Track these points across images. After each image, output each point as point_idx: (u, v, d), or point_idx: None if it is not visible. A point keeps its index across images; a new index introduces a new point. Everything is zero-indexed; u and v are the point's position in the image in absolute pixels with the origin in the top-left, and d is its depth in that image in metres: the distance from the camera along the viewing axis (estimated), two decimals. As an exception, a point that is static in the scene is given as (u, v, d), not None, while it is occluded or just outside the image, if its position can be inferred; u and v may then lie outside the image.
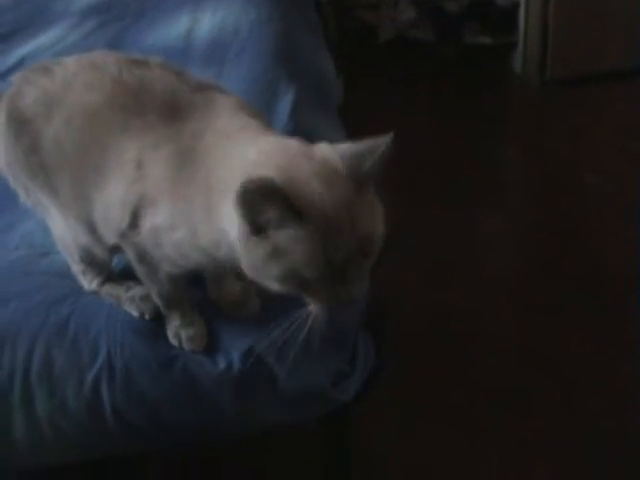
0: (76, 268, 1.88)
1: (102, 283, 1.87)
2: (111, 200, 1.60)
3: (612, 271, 3.16)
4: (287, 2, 3.01)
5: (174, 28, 2.87)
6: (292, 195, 1.31)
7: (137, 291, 1.81)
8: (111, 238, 1.67)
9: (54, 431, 1.79)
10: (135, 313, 1.80)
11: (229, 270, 1.58)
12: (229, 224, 1.40)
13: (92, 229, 1.70)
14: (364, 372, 1.83)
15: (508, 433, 2.55)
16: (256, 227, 1.34)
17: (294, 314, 1.45)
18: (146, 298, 1.79)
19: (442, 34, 4.51)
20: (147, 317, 1.78)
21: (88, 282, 1.88)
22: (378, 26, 4.58)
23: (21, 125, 1.70)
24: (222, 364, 1.73)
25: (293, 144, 1.44)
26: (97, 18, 3.07)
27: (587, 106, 4.19)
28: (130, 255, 1.68)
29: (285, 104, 2.30)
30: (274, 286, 1.39)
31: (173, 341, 1.75)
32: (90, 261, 1.85)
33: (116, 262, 1.89)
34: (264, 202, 1.30)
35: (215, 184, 1.43)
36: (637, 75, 4.23)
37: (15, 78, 1.77)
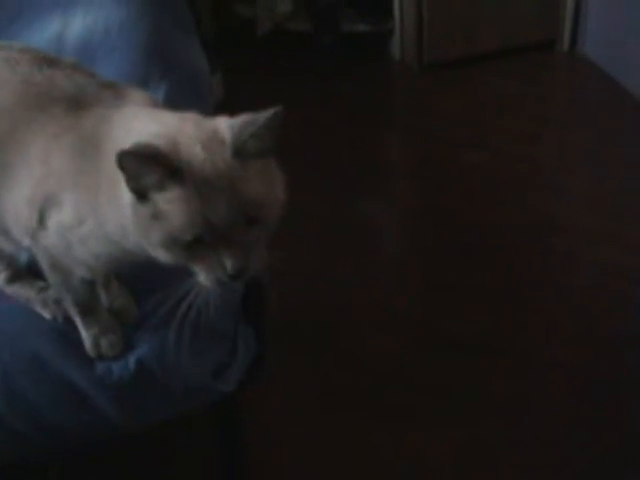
0: None
1: (9, 280, 1.84)
2: (20, 200, 1.58)
3: (504, 242, 3.26)
4: (158, 0, 3.00)
5: (46, 31, 2.84)
6: (172, 158, 1.33)
7: (49, 294, 1.79)
8: (24, 240, 1.65)
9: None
10: (47, 316, 1.78)
11: (142, 263, 1.53)
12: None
13: (3, 229, 1.68)
14: (245, 362, 1.84)
15: (401, 413, 2.59)
16: (139, 192, 1.35)
17: (177, 288, 1.45)
18: (59, 301, 1.77)
19: (319, 24, 4.53)
20: (60, 320, 1.77)
21: None
22: (255, 19, 4.58)
23: None
24: (100, 369, 1.73)
25: (189, 116, 1.45)
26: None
27: (465, 88, 4.29)
28: (42, 262, 1.66)
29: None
30: (161, 254, 1.39)
31: (92, 352, 1.73)
32: None
33: (25, 258, 1.86)
34: (143, 165, 1.31)
35: (113, 166, 1.39)
36: (509, 54, 4.34)
37: None
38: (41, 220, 1.56)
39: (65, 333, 1.76)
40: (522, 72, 4.34)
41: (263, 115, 1.37)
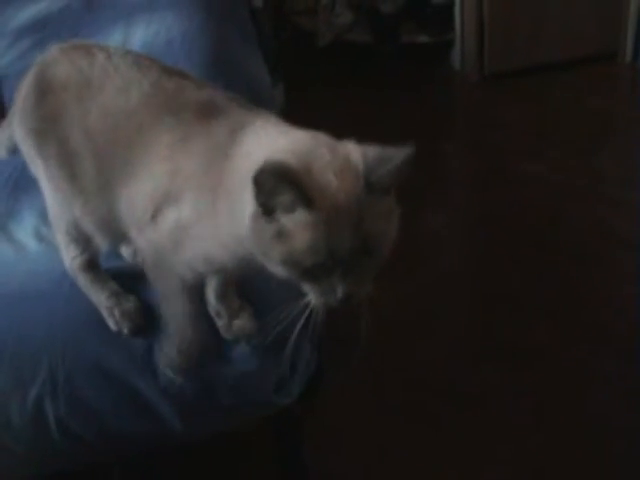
0: (60, 238, 1.87)
1: (83, 265, 1.85)
2: (137, 194, 1.62)
3: (565, 254, 3.22)
4: (220, 13, 3.04)
5: (108, 43, 2.88)
6: (306, 181, 1.34)
7: (118, 301, 1.81)
8: (131, 232, 1.68)
9: (1, 450, 1.80)
10: (112, 326, 1.80)
11: (251, 271, 1.55)
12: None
13: (104, 219, 1.73)
14: (304, 375, 1.85)
15: (463, 429, 2.57)
16: (267, 208, 1.36)
17: (291, 306, 1.47)
18: (126, 314, 1.79)
19: (380, 35, 4.54)
20: (124, 332, 1.78)
21: (70, 259, 1.86)
22: (316, 31, 4.60)
23: (45, 93, 1.72)
24: (163, 379, 1.75)
25: (320, 136, 1.46)
26: (32, 37, 3.07)
27: (526, 98, 4.26)
28: (146, 258, 1.68)
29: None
30: (277, 269, 1.40)
31: (165, 370, 1.74)
32: (76, 237, 1.84)
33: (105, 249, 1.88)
34: (278, 184, 1.32)
35: (240, 173, 1.44)
36: (570, 66, 4.32)
37: (53, 48, 1.79)
38: (154, 215, 1.59)
39: (130, 342, 1.79)
40: (583, 83, 4.31)
41: (400, 154, 1.38)
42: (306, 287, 1.43)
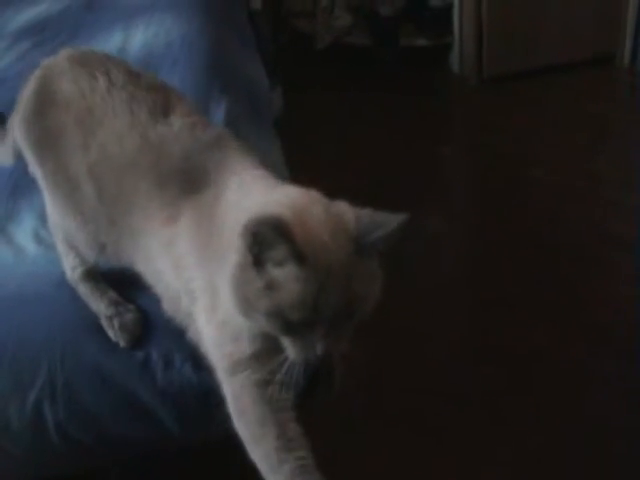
0: (60, 247, 1.88)
1: (83, 276, 1.85)
2: (156, 270, 1.66)
3: (563, 256, 3.23)
4: (218, 16, 3.04)
5: (108, 44, 2.88)
6: (300, 237, 1.35)
7: (117, 312, 1.80)
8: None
9: (0, 453, 1.79)
10: (111, 336, 1.79)
11: None
12: None
13: (101, 244, 1.76)
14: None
15: (462, 431, 2.57)
16: (258, 260, 1.37)
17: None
18: (125, 326, 1.78)
19: (378, 38, 4.54)
20: (122, 345, 1.77)
21: (70, 269, 1.87)
22: (314, 34, 4.60)
23: (47, 105, 1.75)
24: (162, 379, 1.74)
25: (312, 194, 1.47)
26: (31, 39, 3.08)
27: (525, 101, 4.27)
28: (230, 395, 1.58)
29: (218, 116, 2.31)
30: (260, 321, 1.40)
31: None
32: (71, 246, 1.85)
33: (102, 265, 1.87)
34: (274, 237, 1.33)
35: (229, 224, 1.46)
36: (568, 69, 4.32)
37: (61, 54, 1.83)
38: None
39: (129, 349, 1.78)
40: (582, 86, 4.32)
41: (393, 221, 1.38)
42: (286, 341, 1.43)
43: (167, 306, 1.69)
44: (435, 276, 3.20)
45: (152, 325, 1.79)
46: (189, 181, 1.60)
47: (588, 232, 3.31)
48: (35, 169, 1.83)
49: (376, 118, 4.13)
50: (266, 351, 1.49)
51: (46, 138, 1.75)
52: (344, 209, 1.43)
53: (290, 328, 1.39)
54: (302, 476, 1.45)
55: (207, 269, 1.52)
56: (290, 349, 1.42)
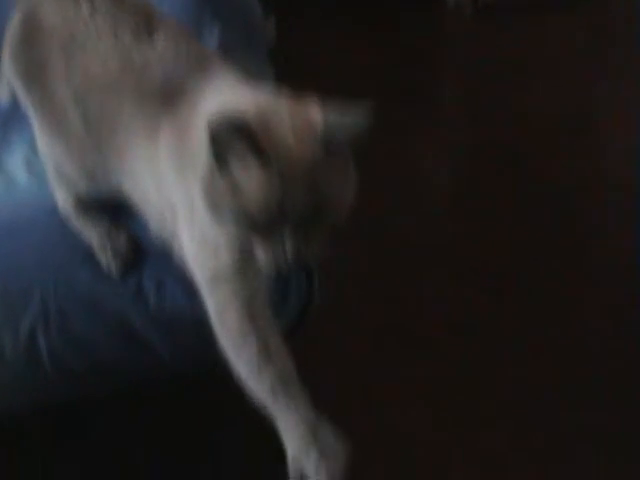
0: (51, 181, 1.88)
1: (76, 208, 1.85)
2: (142, 186, 1.66)
3: (558, 187, 3.21)
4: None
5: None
6: (262, 136, 1.34)
7: (109, 239, 1.80)
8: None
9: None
10: (103, 264, 1.79)
11: None
12: None
13: (89, 172, 1.76)
14: (297, 303, 1.83)
15: (460, 357, 2.58)
16: (221, 161, 1.36)
17: None
18: (117, 254, 1.78)
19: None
20: (114, 273, 1.77)
21: (62, 200, 1.86)
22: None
23: (33, 34, 1.74)
24: (154, 305, 1.75)
25: (282, 96, 1.46)
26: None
27: (521, 34, 4.21)
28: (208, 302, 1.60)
29: (211, 44, 2.28)
30: (229, 226, 1.41)
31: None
32: (64, 176, 1.84)
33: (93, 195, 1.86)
34: (232, 136, 1.33)
35: (199, 131, 1.44)
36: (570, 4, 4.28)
37: None
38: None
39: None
40: (577, 15, 4.26)
41: (356, 113, 1.37)
42: (256, 245, 1.42)
43: (153, 227, 1.70)
44: (426, 195, 3.21)
45: (144, 252, 1.79)
46: (169, 97, 1.59)
47: (581, 165, 3.30)
48: (24, 100, 1.82)
49: (367, 51, 4.06)
50: (246, 264, 1.50)
51: (33, 68, 1.74)
52: (312, 108, 1.41)
53: (258, 232, 1.39)
54: (283, 385, 1.47)
55: (184, 181, 1.52)
56: (260, 254, 1.41)
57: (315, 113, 1.40)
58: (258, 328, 1.51)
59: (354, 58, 3.88)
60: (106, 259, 1.78)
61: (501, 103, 3.69)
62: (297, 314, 1.83)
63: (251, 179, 1.35)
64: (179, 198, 1.55)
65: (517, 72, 3.90)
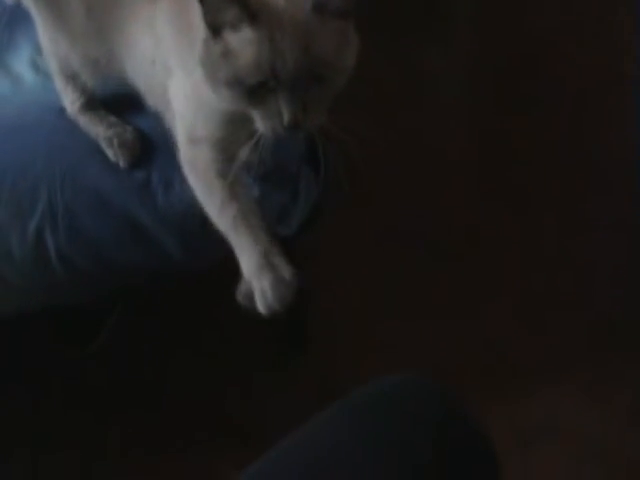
0: (57, 83, 1.86)
1: (83, 108, 1.83)
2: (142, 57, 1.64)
3: (565, 93, 3.13)
4: None
5: None
6: None
7: (116, 132, 1.78)
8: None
9: (2, 284, 1.82)
10: (110, 157, 1.77)
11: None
12: None
13: (88, 56, 1.74)
14: (307, 206, 1.84)
15: (465, 262, 2.59)
16: (214, 28, 1.36)
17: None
18: (124, 144, 1.77)
19: None
20: (122, 165, 1.76)
21: (69, 103, 1.84)
22: None
23: None
24: (163, 202, 1.74)
25: None
26: None
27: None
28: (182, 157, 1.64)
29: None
30: (224, 94, 1.40)
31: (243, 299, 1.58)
32: (71, 77, 1.82)
33: (100, 92, 1.85)
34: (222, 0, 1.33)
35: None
36: None
37: None
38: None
39: (129, 171, 1.77)
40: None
41: None
42: (253, 113, 1.42)
43: (151, 100, 1.70)
44: (431, 107, 3.11)
45: (152, 147, 1.78)
46: None
47: (593, 69, 3.23)
48: None
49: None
50: (232, 139, 1.54)
51: None
52: None
53: (252, 95, 1.38)
54: (244, 220, 1.53)
55: (181, 45, 1.52)
56: (258, 121, 1.41)
57: None
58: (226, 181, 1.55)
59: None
60: (114, 151, 1.77)
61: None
62: (307, 213, 1.84)
63: (242, 42, 1.35)
64: (176, 62, 1.55)
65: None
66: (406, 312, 2.46)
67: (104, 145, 1.78)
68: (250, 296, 1.52)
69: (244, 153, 1.51)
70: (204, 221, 1.60)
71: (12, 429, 2.21)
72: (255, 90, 1.36)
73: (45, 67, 1.92)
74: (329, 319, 2.40)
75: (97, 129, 1.81)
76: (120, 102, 1.82)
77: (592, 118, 3.02)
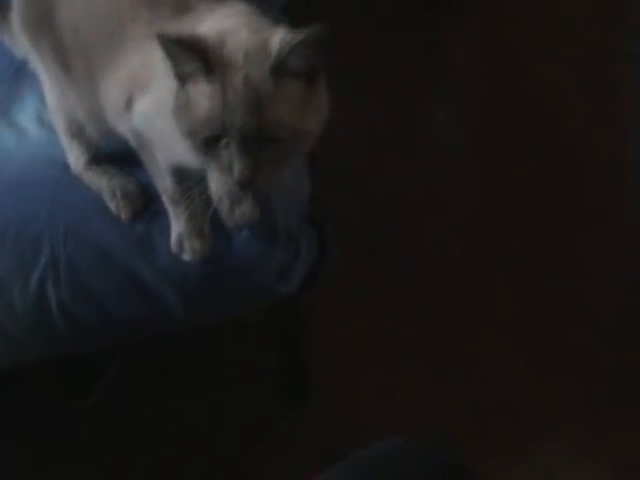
0: (63, 140, 1.87)
1: (88, 164, 1.85)
2: (114, 82, 1.64)
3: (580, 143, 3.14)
4: None
5: None
6: (212, 53, 1.37)
7: (119, 184, 1.80)
8: (112, 120, 1.70)
9: (2, 335, 1.82)
10: (113, 210, 1.79)
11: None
12: None
13: (93, 109, 1.74)
14: (308, 263, 1.85)
15: (456, 301, 2.60)
16: (180, 78, 1.40)
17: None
18: (127, 195, 1.78)
19: None
20: (123, 217, 1.78)
21: (74, 159, 1.86)
22: None
23: None
24: (163, 256, 1.75)
25: (247, 16, 1.49)
26: None
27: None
28: (132, 142, 1.69)
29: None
30: (185, 144, 1.43)
31: (174, 247, 1.74)
32: (77, 133, 1.84)
33: (104, 145, 1.86)
34: (181, 51, 1.36)
35: None
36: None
37: None
38: (128, 103, 1.61)
39: (131, 225, 1.78)
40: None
41: (306, 31, 1.36)
42: (209, 166, 1.46)
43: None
44: (441, 158, 3.15)
45: (153, 202, 1.79)
46: (183, 7, 1.58)
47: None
48: (33, 54, 1.82)
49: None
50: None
51: (39, 18, 1.73)
52: (274, 33, 1.42)
53: (207, 150, 1.41)
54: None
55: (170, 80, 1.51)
56: (210, 175, 1.47)
57: (275, 37, 1.40)
58: None
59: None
60: (116, 203, 1.78)
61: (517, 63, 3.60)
62: (308, 271, 1.86)
63: (199, 94, 1.38)
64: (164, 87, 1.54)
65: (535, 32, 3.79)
66: (401, 362, 2.48)
67: (107, 198, 1.80)
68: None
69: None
70: (205, 278, 1.61)
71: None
72: (209, 143, 1.40)
73: (50, 121, 1.93)
74: (326, 372, 2.39)
75: (100, 182, 1.82)
76: (123, 157, 1.83)
77: (596, 172, 3.02)
